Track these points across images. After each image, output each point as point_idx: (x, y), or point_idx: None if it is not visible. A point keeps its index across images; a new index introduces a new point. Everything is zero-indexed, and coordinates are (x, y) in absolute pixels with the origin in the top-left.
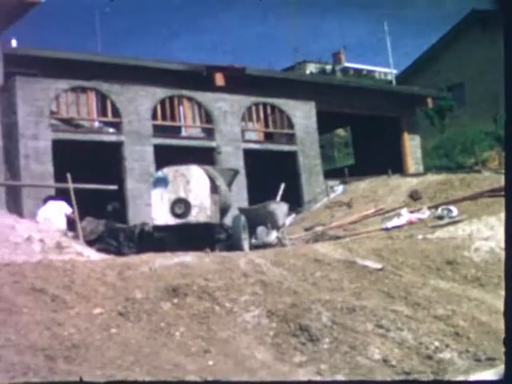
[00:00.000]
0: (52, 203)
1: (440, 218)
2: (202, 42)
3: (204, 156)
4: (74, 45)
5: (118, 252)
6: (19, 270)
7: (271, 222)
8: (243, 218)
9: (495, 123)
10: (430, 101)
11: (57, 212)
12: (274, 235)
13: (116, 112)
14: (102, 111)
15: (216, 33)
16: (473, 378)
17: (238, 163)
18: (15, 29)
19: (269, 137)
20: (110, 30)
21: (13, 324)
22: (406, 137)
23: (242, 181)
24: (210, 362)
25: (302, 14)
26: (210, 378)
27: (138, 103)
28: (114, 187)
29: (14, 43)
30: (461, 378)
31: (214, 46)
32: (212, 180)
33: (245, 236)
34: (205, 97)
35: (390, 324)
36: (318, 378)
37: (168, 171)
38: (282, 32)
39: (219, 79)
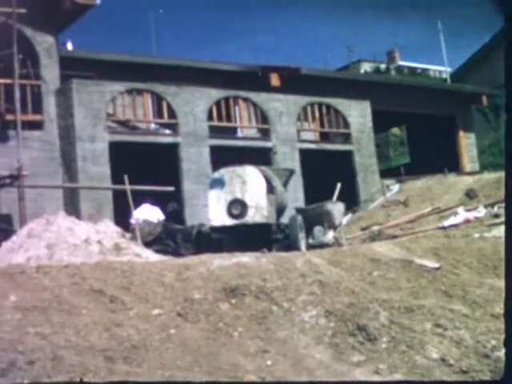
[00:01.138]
0: (146, 207)
1: (496, 216)
2: (257, 42)
3: (260, 156)
4: (129, 47)
5: (176, 253)
6: (78, 271)
7: (328, 222)
8: (300, 218)
9: None
10: (484, 98)
11: (150, 217)
12: (330, 235)
13: (172, 113)
14: (158, 113)
15: (271, 33)
16: None
17: (294, 163)
18: (71, 31)
19: (324, 136)
20: (164, 31)
21: (72, 325)
22: (462, 135)
23: (298, 181)
24: (269, 362)
25: (356, 13)
26: (268, 378)
27: (194, 104)
28: (171, 189)
29: (69, 46)
30: None
31: (269, 46)
32: (268, 180)
33: (302, 236)
34: (260, 97)
35: (447, 323)
36: (376, 378)
37: (224, 172)
38: (336, 31)
39: (275, 79)
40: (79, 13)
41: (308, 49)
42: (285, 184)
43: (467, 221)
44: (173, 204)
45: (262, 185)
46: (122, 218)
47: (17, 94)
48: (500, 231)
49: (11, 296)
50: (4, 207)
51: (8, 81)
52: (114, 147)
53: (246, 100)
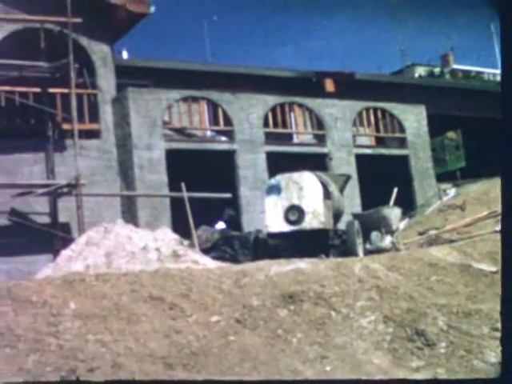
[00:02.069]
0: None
1: None
2: (311, 47)
3: (316, 162)
4: (184, 54)
5: (234, 259)
6: (137, 279)
7: (385, 227)
8: (357, 224)
9: None
10: None
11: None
12: (388, 240)
13: (228, 120)
14: (214, 120)
15: (324, 38)
16: None
17: (350, 168)
18: (126, 40)
19: (380, 141)
20: (218, 38)
21: (132, 332)
22: None
23: (354, 186)
24: (328, 368)
25: (410, 17)
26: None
27: (250, 111)
28: (227, 195)
29: (125, 55)
30: None
31: (323, 51)
32: (325, 186)
33: (359, 241)
34: (315, 103)
35: None
36: None
37: (281, 178)
38: (389, 35)
39: (329, 85)
40: (134, 21)
41: (362, 53)
42: (341, 189)
43: None
44: (229, 211)
45: (319, 191)
46: (179, 225)
47: (73, 104)
48: None
49: (71, 304)
50: (62, 216)
51: (65, 90)
52: (171, 155)
53: (301, 106)
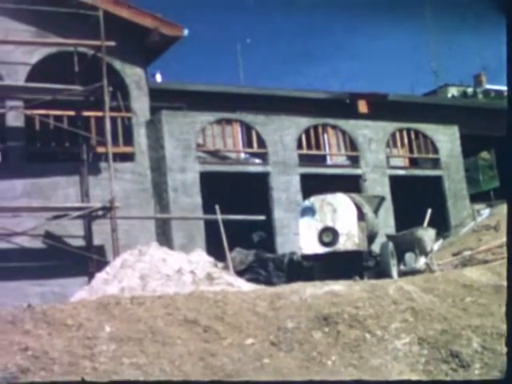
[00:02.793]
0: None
1: None
2: (344, 68)
3: (350, 183)
4: (218, 77)
5: (268, 282)
6: (171, 301)
7: (419, 248)
8: (391, 245)
9: None
10: None
11: None
12: (422, 261)
13: (261, 143)
14: (248, 142)
15: (357, 59)
16: None
17: (384, 190)
18: (159, 63)
19: (413, 162)
20: (252, 60)
21: (167, 355)
22: None
23: (388, 207)
24: None
25: (442, 37)
26: None
27: (283, 133)
28: (261, 217)
29: (158, 78)
30: None
31: (356, 72)
32: (359, 207)
33: (393, 263)
34: (349, 124)
35: None
36: None
37: (315, 200)
38: (421, 56)
39: (362, 106)
40: (167, 44)
41: (395, 74)
42: (375, 211)
43: None
44: (259, 233)
45: (353, 212)
46: (213, 247)
47: (108, 127)
48: None
49: (106, 327)
50: (97, 239)
51: (99, 113)
52: (205, 177)
53: (334, 127)
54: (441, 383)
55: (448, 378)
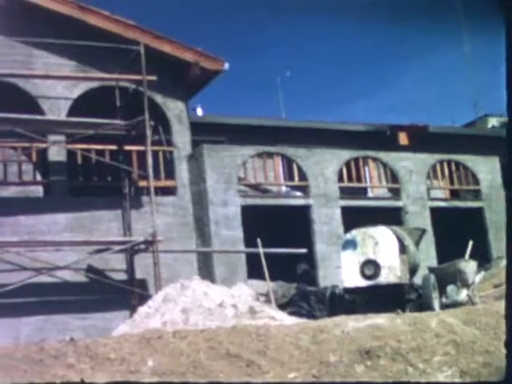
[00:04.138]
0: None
1: None
2: (384, 100)
3: (391, 216)
4: (258, 110)
5: (310, 315)
6: (214, 335)
7: (461, 280)
8: (433, 277)
9: None
10: None
11: None
12: (464, 293)
13: (302, 176)
14: (289, 175)
15: (397, 91)
16: None
17: (425, 222)
18: (200, 96)
19: (454, 194)
20: (292, 93)
21: None
22: None
23: (429, 239)
24: None
25: (480, 67)
26: None
27: (324, 166)
28: (303, 250)
29: (199, 111)
30: None
31: (396, 104)
32: (400, 240)
33: (435, 295)
34: (389, 156)
35: None
36: None
37: (356, 233)
38: (461, 87)
39: (403, 138)
40: (208, 78)
41: (434, 105)
42: (417, 243)
43: None
44: (303, 265)
45: (395, 245)
46: (255, 280)
47: (149, 161)
48: None
49: (149, 361)
50: (139, 272)
51: (140, 148)
52: (246, 211)
53: (375, 160)
54: None
55: None
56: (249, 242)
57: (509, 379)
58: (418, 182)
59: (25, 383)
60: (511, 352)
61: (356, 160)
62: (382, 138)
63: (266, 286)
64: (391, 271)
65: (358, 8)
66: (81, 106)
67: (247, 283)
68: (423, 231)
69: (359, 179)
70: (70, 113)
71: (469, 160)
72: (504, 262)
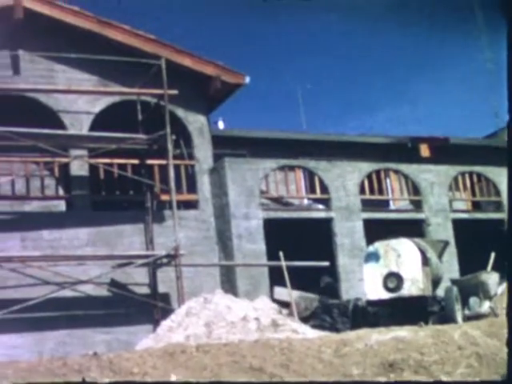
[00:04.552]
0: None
1: None
2: (405, 112)
3: (413, 228)
4: (279, 123)
5: (333, 328)
6: (237, 349)
7: (483, 292)
8: (455, 290)
9: None
10: None
11: None
12: (486, 305)
13: (324, 188)
14: (311, 188)
15: (417, 103)
16: None
17: (447, 234)
18: (221, 110)
19: (476, 205)
20: (312, 105)
21: None
22: None
23: (452, 251)
24: None
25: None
26: None
27: (346, 178)
28: (325, 263)
29: (221, 125)
30: None
31: (416, 116)
32: (423, 252)
33: (458, 307)
34: (411, 168)
35: None
36: None
37: (379, 246)
38: (481, 98)
39: (424, 150)
40: (229, 92)
41: (455, 116)
42: (439, 255)
43: None
44: (326, 278)
45: (417, 257)
46: (278, 294)
47: (171, 175)
48: None
49: (172, 375)
50: (162, 286)
51: (162, 161)
52: (268, 224)
53: (396, 172)
54: (441, 383)
55: None
56: (271, 255)
57: (510, 379)
58: (440, 193)
59: (24, 383)
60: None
61: (377, 172)
62: (403, 150)
63: (289, 294)
64: (414, 284)
65: (375, 19)
66: (103, 120)
67: (274, 290)
68: (446, 243)
69: (381, 191)
70: (92, 127)
71: (490, 171)
72: None
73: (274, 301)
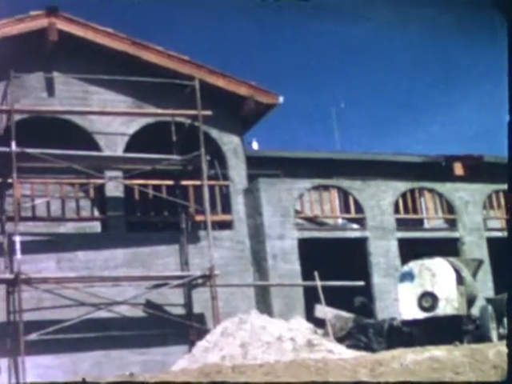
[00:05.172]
0: None
1: None
2: (439, 131)
3: (447, 247)
4: (313, 142)
5: (368, 348)
6: (272, 369)
7: None
8: (490, 308)
9: None
10: None
11: None
12: None
13: (359, 208)
14: (345, 208)
15: (450, 122)
16: None
17: (482, 252)
18: (255, 130)
19: (511, 224)
20: (346, 125)
21: None
22: None
23: (486, 270)
24: None
25: None
26: None
27: (380, 198)
28: (360, 283)
29: (255, 145)
30: None
31: (451, 134)
32: (457, 271)
33: (493, 326)
34: (445, 187)
35: None
36: None
37: (413, 265)
38: None
39: (458, 169)
40: (263, 112)
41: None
42: (474, 274)
43: None
44: (361, 298)
45: (452, 276)
46: (313, 313)
47: (206, 195)
48: None
49: None
50: (197, 307)
51: (197, 182)
52: (303, 243)
53: (431, 191)
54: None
55: None
56: (306, 275)
57: (510, 379)
58: (475, 212)
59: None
60: None
61: (412, 191)
62: (437, 169)
63: (330, 312)
64: (449, 303)
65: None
66: (137, 141)
67: (316, 308)
68: (480, 262)
69: (415, 210)
70: (127, 148)
71: None
72: None
73: (312, 319)
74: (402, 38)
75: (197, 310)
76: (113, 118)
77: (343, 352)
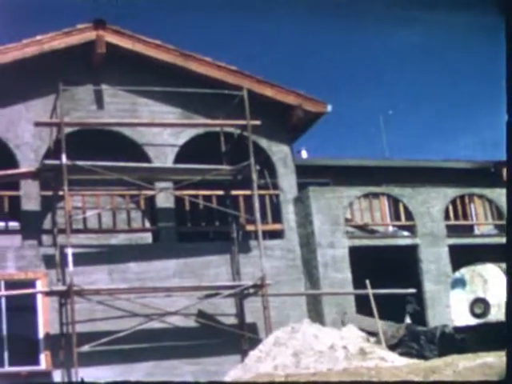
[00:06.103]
0: None
1: None
2: (488, 137)
3: (498, 253)
4: (362, 150)
5: (420, 355)
6: (325, 378)
7: None
8: None
9: None
10: None
11: None
12: None
13: (409, 215)
14: (395, 215)
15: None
16: None
17: None
18: (304, 139)
19: None
20: (395, 132)
21: None
22: None
23: None
24: None
25: None
26: None
27: (430, 204)
28: (412, 291)
29: (304, 154)
30: None
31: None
32: None
33: None
34: (495, 193)
35: None
36: None
37: (465, 271)
38: None
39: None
40: (311, 121)
41: None
42: None
43: None
44: (413, 305)
45: (504, 282)
46: (365, 321)
47: (256, 205)
48: None
49: None
50: (249, 316)
51: (247, 192)
52: (354, 252)
53: (480, 197)
54: (441, 383)
55: None
56: (357, 283)
57: (509, 379)
58: None
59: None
60: (511, 351)
61: (462, 197)
62: (486, 175)
63: (377, 325)
64: (501, 309)
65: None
66: (187, 152)
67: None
68: None
69: (465, 217)
70: (177, 159)
71: None
72: None
73: (362, 329)
74: (448, 43)
75: (249, 319)
76: (162, 130)
77: (396, 360)
